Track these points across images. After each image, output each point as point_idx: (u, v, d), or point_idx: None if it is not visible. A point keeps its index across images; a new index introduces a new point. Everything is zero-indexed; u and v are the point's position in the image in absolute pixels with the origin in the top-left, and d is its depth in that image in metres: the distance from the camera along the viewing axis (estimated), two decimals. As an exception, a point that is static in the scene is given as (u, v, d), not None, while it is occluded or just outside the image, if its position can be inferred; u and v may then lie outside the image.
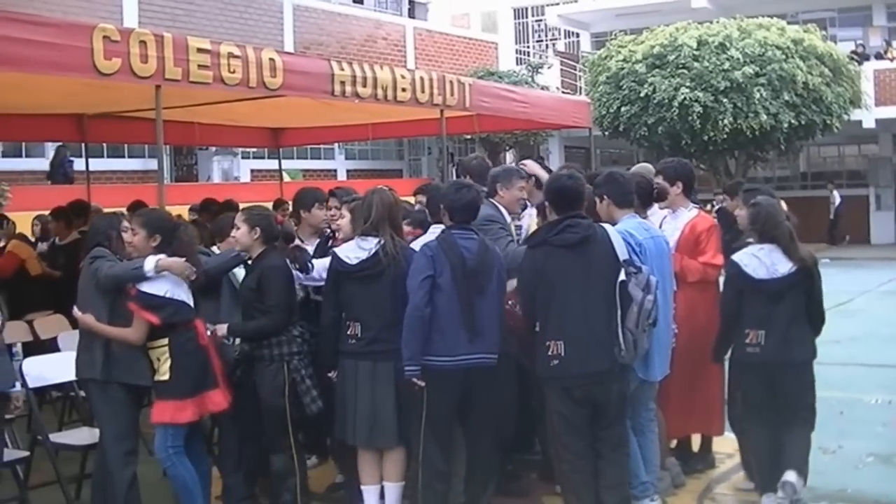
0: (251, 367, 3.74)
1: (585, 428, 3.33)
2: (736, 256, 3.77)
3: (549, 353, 3.30)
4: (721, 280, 3.99)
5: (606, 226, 3.49)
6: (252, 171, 14.80)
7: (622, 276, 3.30)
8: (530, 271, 3.41)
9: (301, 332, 3.73)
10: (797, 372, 3.68)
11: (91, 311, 3.48)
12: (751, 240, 3.84)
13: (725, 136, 15.06)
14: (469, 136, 16.36)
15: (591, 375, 3.29)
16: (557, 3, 21.70)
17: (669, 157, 4.88)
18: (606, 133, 16.50)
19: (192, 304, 3.57)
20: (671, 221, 4.27)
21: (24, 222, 7.20)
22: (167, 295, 3.47)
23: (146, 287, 3.46)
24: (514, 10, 23.05)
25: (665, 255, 3.76)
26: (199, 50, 4.23)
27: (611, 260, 3.34)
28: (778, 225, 3.70)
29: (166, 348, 3.48)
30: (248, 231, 3.76)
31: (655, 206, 4.19)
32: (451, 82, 6.05)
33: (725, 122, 14.86)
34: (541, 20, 22.86)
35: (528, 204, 4.27)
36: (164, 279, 3.48)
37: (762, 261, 3.67)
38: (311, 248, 4.16)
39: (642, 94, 15.34)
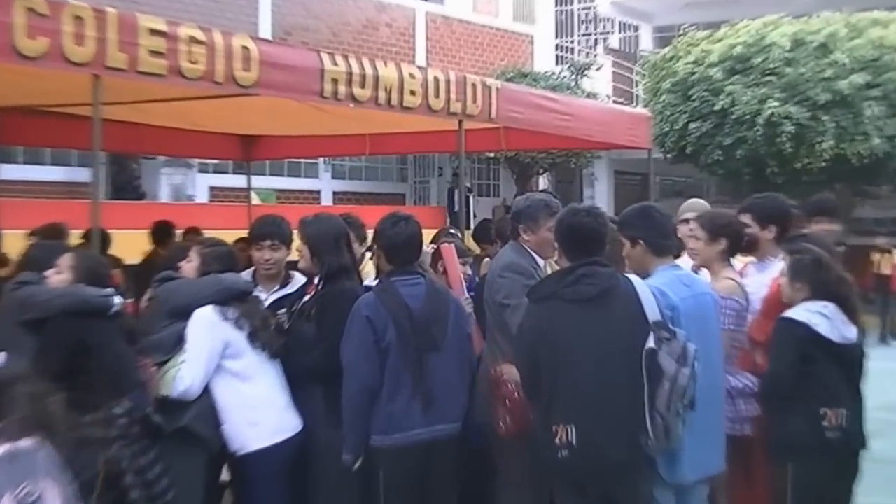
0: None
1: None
2: (796, 314, 3.80)
3: (557, 440, 3.31)
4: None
5: (633, 277, 3.52)
6: (211, 188, 14.84)
7: (651, 343, 3.30)
8: (533, 332, 3.44)
9: (128, 409, 3.67)
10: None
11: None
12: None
13: (825, 163, 15.06)
14: (492, 155, 16.48)
15: (611, 470, 3.30)
16: (611, -13, 22.12)
17: (754, 191, 4.89)
18: (669, 156, 16.55)
19: None
20: (756, 275, 4.30)
21: None
22: None
23: None
24: (556, -5, 23.40)
25: (711, 317, 3.78)
26: (152, 32, 4.25)
27: (637, 321, 3.36)
28: (842, 279, 3.79)
29: None
30: (201, 268, 3.97)
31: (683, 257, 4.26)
32: (472, 85, 6.10)
33: (825, 145, 14.87)
34: (589, 9, 23.14)
35: None
36: None
37: (832, 321, 3.73)
38: (265, 299, 4.30)
39: (717, 107, 15.41)
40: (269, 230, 4.44)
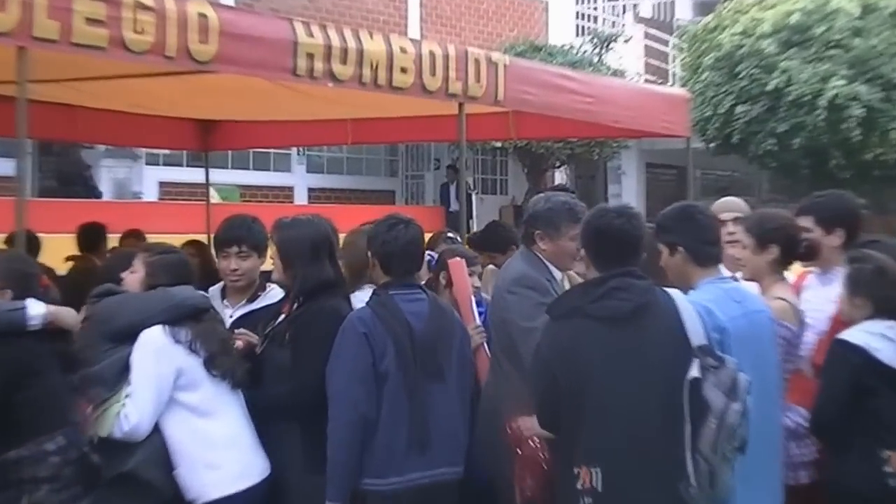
0: None
1: None
2: (852, 336, 3.81)
3: (579, 485, 3.31)
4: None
5: (674, 292, 3.51)
6: (161, 184, 14.89)
7: (695, 372, 3.30)
8: (552, 356, 3.44)
9: (61, 446, 3.66)
10: None
11: None
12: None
13: (900, 154, 15.16)
14: (499, 145, 16.50)
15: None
16: (642, -55, 22.20)
17: (815, 188, 4.89)
18: (712, 146, 16.57)
19: None
20: (819, 288, 4.29)
21: None
22: None
23: None
24: (576, -46, 23.46)
25: (767, 340, 3.77)
26: (91, -5, 4.26)
27: (678, 345, 3.35)
28: None
29: None
30: (147, 280, 3.94)
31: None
32: (475, 61, 6.09)
33: (901, 133, 14.96)
34: (616, -31, 23.27)
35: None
36: None
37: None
38: (227, 317, 4.32)
39: (770, 87, 15.44)
40: (237, 234, 4.42)
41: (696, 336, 3.36)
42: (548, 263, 4.23)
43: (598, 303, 3.39)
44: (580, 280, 4.31)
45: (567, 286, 4.34)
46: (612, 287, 3.40)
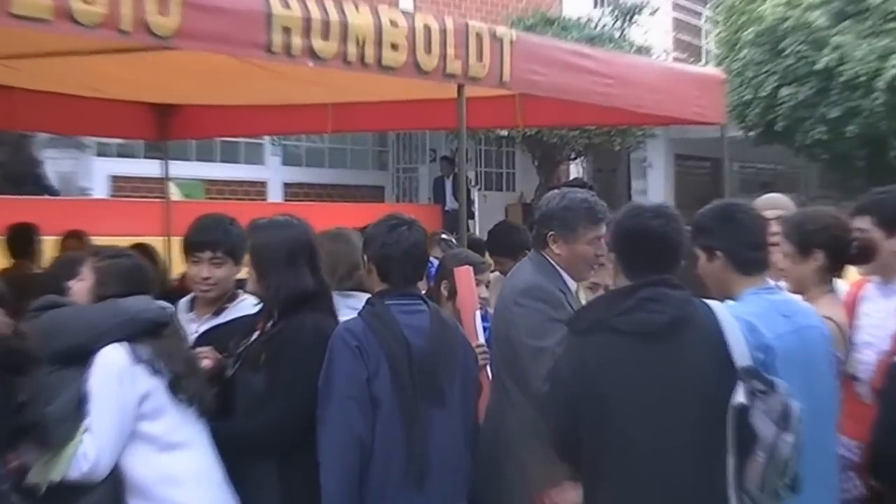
0: None
1: None
2: None
3: None
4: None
5: (715, 304, 3.52)
6: (113, 178, 14.93)
7: (741, 398, 3.30)
8: (573, 376, 3.46)
9: None
10: None
11: None
12: None
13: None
14: (505, 134, 16.50)
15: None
16: None
17: (873, 183, 4.90)
18: (752, 134, 16.62)
19: None
20: (879, 300, 4.29)
21: None
22: None
23: None
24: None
25: (820, 360, 3.77)
26: (32, -40, 4.26)
27: (719, 365, 3.36)
28: None
29: None
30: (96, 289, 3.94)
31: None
32: (477, 36, 6.09)
33: (973, 119, 14.99)
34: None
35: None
36: None
37: None
38: (192, 332, 4.34)
39: (820, 66, 15.49)
40: (211, 237, 4.42)
41: (742, 356, 3.37)
42: (561, 271, 4.25)
43: (628, 315, 3.39)
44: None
45: (584, 299, 4.36)
46: (644, 297, 3.41)
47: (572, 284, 4.28)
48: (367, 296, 4.09)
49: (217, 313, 4.47)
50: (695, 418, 3.33)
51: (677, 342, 3.37)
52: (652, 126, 15.47)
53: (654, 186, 20.57)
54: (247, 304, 4.43)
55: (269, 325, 4.08)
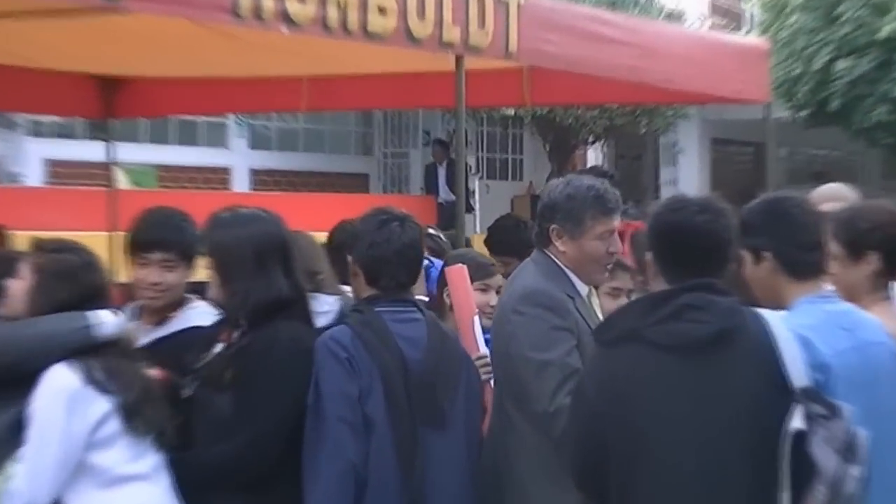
0: None
1: None
2: None
3: None
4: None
5: (766, 314, 3.53)
6: (49, 162, 15.01)
7: (798, 423, 3.32)
8: (599, 393, 3.49)
9: None
10: None
11: None
12: None
13: None
14: (512, 114, 16.52)
15: None
16: None
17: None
18: (802, 115, 16.64)
19: None
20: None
21: None
22: None
23: None
24: None
25: (887, 380, 3.78)
26: None
27: (773, 386, 3.39)
28: None
29: None
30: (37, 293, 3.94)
31: None
32: None
33: None
34: None
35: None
36: None
37: None
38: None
39: (882, 35, 15.50)
40: (161, 235, 4.43)
41: (799, 375, 3.38)
42: (568, 272, 4.26)
43: (664, 325, 3.41)
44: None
45: (597, 306, 4.40)
46: (685, 304, 3.42)
47: (582, 288, 4.30)
48: (330, 297, 4.19)
49: (161, 323, 4.46)
50: (743, 446, 3.35)
51: (723, 357, 3.39)
52: (684, 105, 15.54)
53: (687, 176, 20.61)
54: (198, 312, 4.45)
55: (236, 336, 4.06)
